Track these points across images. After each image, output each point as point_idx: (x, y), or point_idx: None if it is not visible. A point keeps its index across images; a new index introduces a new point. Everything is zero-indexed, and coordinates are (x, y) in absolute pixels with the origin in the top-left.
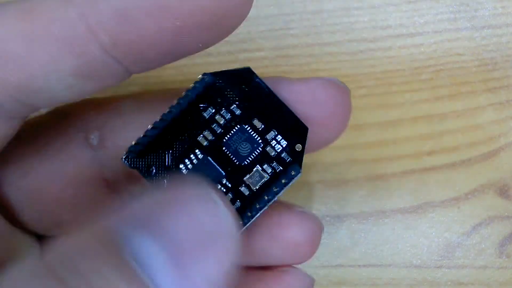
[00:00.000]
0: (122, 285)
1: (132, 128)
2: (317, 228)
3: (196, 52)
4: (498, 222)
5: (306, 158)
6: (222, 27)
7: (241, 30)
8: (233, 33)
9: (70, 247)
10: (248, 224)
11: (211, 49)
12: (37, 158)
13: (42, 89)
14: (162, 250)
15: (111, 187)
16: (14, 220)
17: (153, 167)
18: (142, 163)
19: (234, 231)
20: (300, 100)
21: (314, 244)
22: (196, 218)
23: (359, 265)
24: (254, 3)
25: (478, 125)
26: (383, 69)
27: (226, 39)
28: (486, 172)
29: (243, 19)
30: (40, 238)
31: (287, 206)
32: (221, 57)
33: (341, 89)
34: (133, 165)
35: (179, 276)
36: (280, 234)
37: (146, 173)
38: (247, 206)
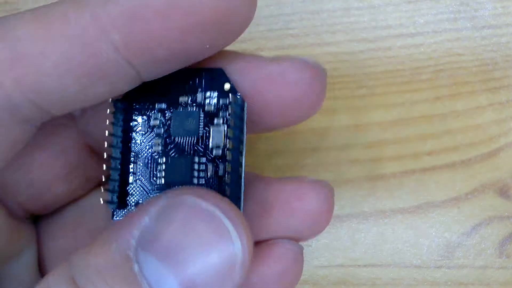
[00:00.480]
0: None
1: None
2: (331, 193)
3: (204, 57)
4: (498, 222)
5: (307, 159)
6: (228, 28)
7: None
8: None
9: (90, 266)
10: (243, 171)
11: None
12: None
13: (56, 90)
14: (174, 280)
15: (97, 153)
16: (11, 203)
17: (139, 201)
18: (129, 208)
19: (246, 264)
20: (272, 80)
21: (330, 210)
22: (210, 251)
23: (359, 265)
24: None
25: (478, 125)
26: (383, 69)
27: None
28: (486, 172)
29: (249, 21)
30: (36, 220)
31: (298, 179)
32: None
33: (314, 71)
34: (121, 216)
35: None
36: (300, 207)
37: None
38: (230, 159)
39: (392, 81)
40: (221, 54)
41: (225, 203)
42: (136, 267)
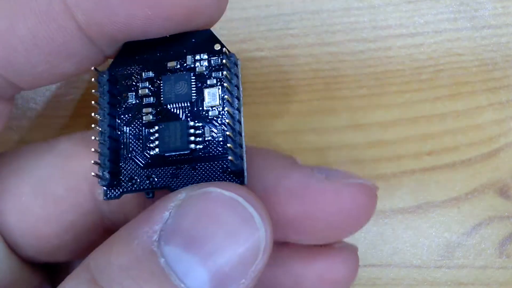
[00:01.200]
0: None
1: None
2: (357, 258)
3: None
4: (498, 222)
5: (308, 161)
6: (193, 22)
7: (241, 30)
8: (233, 33)
9: (113, 265)
10: (243, 130)
11: None
12: (31, 197)
13: (24, 65)
14: (203, 268)
15: (109, 230)
16: (21, 256)
17: (134, 178)
18: (123, 186)
19: (268, 250)
20: (325, 204)
21: (356, 274)
22: (236, 241)
23: (359, 265)
24: (254, 3)
25: (478, 125)
26: (383, 69)
27: (226, 39)
28: (486, 172)
29: (215, 20)
30: (49, 268)
31: (327, 248)
32: None
33: (369, 196)
34: (118, 195)
35: (215, 285)
36: (330, 278)
37: (133, 188)
38: (228, 118)
39: (392, 81)
40: (270, 164)
41: (247, 191)
42: (162, 260)
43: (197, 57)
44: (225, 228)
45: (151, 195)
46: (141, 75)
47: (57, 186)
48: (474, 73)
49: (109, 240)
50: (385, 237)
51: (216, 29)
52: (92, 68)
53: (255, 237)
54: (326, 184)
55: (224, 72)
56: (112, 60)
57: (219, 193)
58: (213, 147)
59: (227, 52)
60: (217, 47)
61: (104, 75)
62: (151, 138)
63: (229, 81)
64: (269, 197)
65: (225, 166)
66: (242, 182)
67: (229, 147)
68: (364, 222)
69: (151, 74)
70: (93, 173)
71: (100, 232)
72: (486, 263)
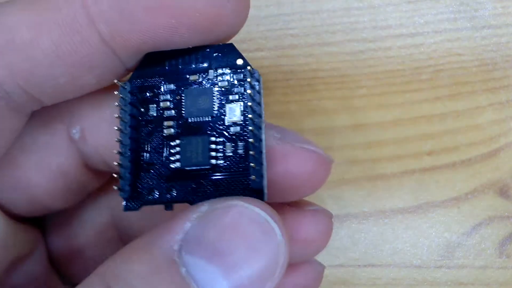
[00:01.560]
0: None
1: (111, 122)
2: (330, 222)
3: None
4: (498, 222)
5: None
6: (215, 32)
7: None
8: None
9: (132, 272)
10: (263, 147)
11: None
12: (21, 151)
13: (46, 77)
14: (224, 280)
15: (95, 172)
16: (11, 214)
17: (154, 191)
18: (143, 198)
19: (286, 260)
20: (273, 168)
21: (328, 238)
22: (258, 255)
23: (359, 265)
24: (254, 3)
25: (478, 125)
26: (383, 69)
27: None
28: (486, 172)
29: (239, 29)
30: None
31: (298, 209)
32: None
33: (320, 164)
34: (138, 207)
35: None
36: (301, 238)
37: (152, 201)
38: (250, 136)
39: (392, 81)
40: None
41: (269, 207)
42: (183, 270)
43: (219, 71)
44: (249, 241)
45: (170, 207)
46: (162, 87)
47: (38, 134)
48: (474, 73)
49: (126, 249)
50: (385, 237)
51: None
52: (115, 81)
53: (276, 252)
54: (277, 142)
55: (248, 90)
56: (132, 72)
57: (243, 206)
58: (234, 164)
59: (251, 69)
60: (239, 62)
61: (125, 87)
62: (172, 151)
63: (252, 99)
64: None
65: (245, 183)
66: (261, 199)
67: (251, 166)
68: (312, 189)
69: (172, 86)
70: (115, 187)
71: (90, 174)
72: (486, 263)
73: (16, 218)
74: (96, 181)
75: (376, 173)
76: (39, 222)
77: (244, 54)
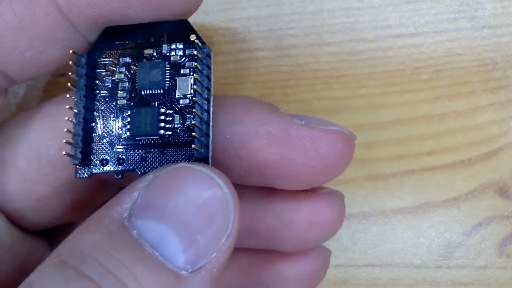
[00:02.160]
0: (139, 267)
1: None
2: (342, 203)
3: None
4: (498, 222)
5: None
6: (169, 7)
7: (241, 30)
8: (233, 33)
9: (84, 242)
10: (211, 120)
11: (212, 48)
12: (31, 164)
13: (12, 51)
14: (175, 236)
15: (104, 185)
16: (19, 225)
17: (105, 159)
18: (93, 166)
19: (236, 208)
20: (303, 150)
21: (342, 218)
22: (205, 208)
23: (359, 265)
24: (254, 3)
25: (478, 125)
26: (383, 69)
27: (226, 39)
28: (486, 172)
29: (195, 5)
30: (49, 235)
31: (314, 194)
32: (221, 57)
33: (346, 143)
34: (88, 174)
35: (189, 252)
36: (317, 220)
37: (103, 170)
38: (196, 108)
39: (392, 81)
40: (252, 110)
41: (211, 167)
42: (134, 232)
43: (173, 46)
44: (195, 198)
45: (120, 176)
46: (118, 60)
47: (49, 147)
48: (474, 73)
49: (78, 227)
50: (385, 237)
51: (216, 29)
52: (71, 51)
53: (224, 206)
54: (305, 130)
55: (195, 63)
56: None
57: (187, 167)
58: (181, 134)
59: (200, 44)
60: (192, 37)
61: (82, 58)
62: (124, 121)
63: (200, 72)
64: (250, 141)
65: (191, 153)
66: None
67: (195, 136)
68: (341, 169)
69: (128, 60)
70: (64, 152)
71: (98, 187)
72: (486, 263)
73: (24, 228)
74: (105, 194)
75: (376, 173)
76: (46, 233)
77: (244, 54)
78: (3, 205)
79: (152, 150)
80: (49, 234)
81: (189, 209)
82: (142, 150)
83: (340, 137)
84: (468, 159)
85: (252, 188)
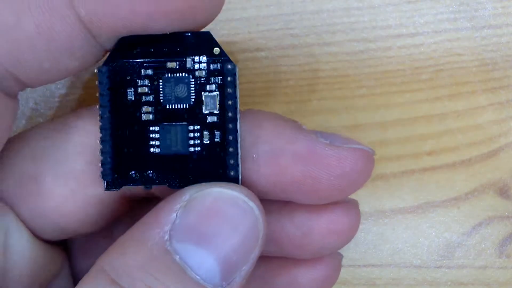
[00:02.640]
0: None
1: None
2: (358, 211)
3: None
4: (498, 222)
5: None
6: (192, 20)
7: (241, 30)
8: (233, 33)
9: (131, 264)
10: (239, 137)
11: None
12: (56, 179)
13: (32, 62)
14: (214, 260)
15: (126, 197)
16: (39, 237)
17: (134, 173)
18: (123, 179)
19: (265, 227)
20: (328, 168)
21: (358, 226)
22: (240, 232)
23: (359, 265)
24: (254, 3)
25: (478, 125)
26: (383, 69)
27: (226, 39)
28: (486, 172)
29: (215, 16)
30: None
31: (332, 204)
32: None
33: (369, 160)
34: (118, 186)
35: (225, 271)
36: (336, 229)
37: (133, 182)
38: (226, 128)
39: (392, 81)
40: (278, 128)
41: (244, 188)
42: (177, 257)
43: (196, 59)
44: (230, 221)
45: (149, 187)
46: (139, 72)
47: (75, 162)
48: (474, 73)
49: (119, 242)
50: (385, 237)
51: (216, 29)
52: (96, 70)
53: (255, 226)
54: (330, 149)
55: (224, 83)
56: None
57: (221, 191)
58: (211, 151)
59: (227, 60)
60: (216, 51)
61: (103, 70)
62: (151, 136)
63: (229, 92)
64: (276, 160)
65: (222, 172)
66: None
67: (226, 155)
68: (362, 184)
69: (150, 72)
70: (100, 174)
71: (123, 202)
72: (486, 263)
73: (43, 239)
74: (127, 206)
75: (376, 173)
76: (64, 243)
77: (244, 54)
78: (28, 220)
79: (182, 165)
80: (66, 245)
81: (226, 234)
82: (171, 164)
83: (363, 155)
84: (468, 159)
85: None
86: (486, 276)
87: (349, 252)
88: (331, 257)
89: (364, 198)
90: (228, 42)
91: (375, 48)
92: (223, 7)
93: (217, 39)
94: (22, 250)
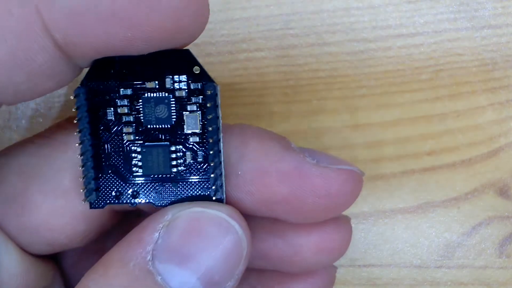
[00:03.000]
0: None
1: None
2: (350, 227)
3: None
4: (498, 222)
5: None
6: (172, 43)
7: (241, 30)
8: (233, 33)
9: (112, 283)
10: (222, 158)
11: (212, 48)
12: (44, 196)
13: (6, 84)
14: (197, 280)
15: (116, 211)
16: (33, 253)
17: (119, 192)
18: (108, 198)
19: (249, 245)
20: (314, 191)
21: (349, 240)
22: (222, 251)
23: (359, 265)
24: (254, 3)
25: (478, 125)
26: (383, 69)
27: (226, 39)
28: (486, 172)
29: (194, 39)
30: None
31: (323, 222)
32: (221, 57)
33: (357, 182)
34: (102, 205)
35: None
36: (327, 246)
37: (117, 201)
38: (207, 149)
39: (392, 81)
40: (264, 146)
41: (227, 207)
42: (159, 278)
43: (176, 78)
44: (212, 241)
45: (133, 204)
46: (118, 92)
47: (62, 177)
48: (474, 73)
49: (104, 261)
50: (385, 237)
51: (216, 29)
52: (72, 97)
53: (239, 245)
54: (317, 169)
55: (205, 103)
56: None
57: (202, 211)
58: (194, 171)
59: (207, 80)
60: (196, 69)
61: (80, 94)
62: (133, 156)
63: (208, 108)
64: (262, 178)
65: (206, 192)
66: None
67: (211, 177)
68: (349, 205)
69: (129, 91)
70: (82, 190)
71: (111, 215)
72: (486, 263)
73: (33, 254)
74: (116, 219)
75: (376, 173)
76: (55, 256)
77: (244, 54)
78: (16, 236)
79: (166, 184)
80: (57, 258)
81: (208, 255)
82: (155, 183)
83: (351, 176)
84: (468, 159)
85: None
86: (486, 276)
87: (349, 252)
88: (325, 270)
89: (364, 198)
90: (228, 42)
91: (375, 48)
92: (223, 7)
93: (217, 39)
94: (11, 266)
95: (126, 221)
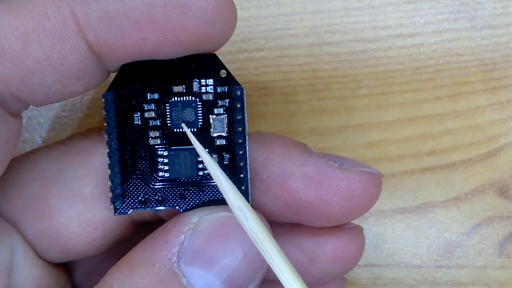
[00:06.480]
0: None
1: None
2: (363, 237)
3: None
4: (498, 222)
5: None
6: (202, 48)
7: (241, 30)
8: (233, 33)
9: (137, 283)
10: (247, 160)
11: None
12: (63, 201)
13: (39, 85)
14: (221, 284)
15: (132, 221)
16: (48, 259)
17: (144, 197)
18: (132, 204)
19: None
20: (339, 193)
21: (362, 250)
22: (247, 255)
23: (359, 265)
24: (254, 3)
25: (478, 125)
26: (383, 69)
27: None
28: (486, 172)
29: (222, 45)
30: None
31: (338, 229)
32: (221, 57)
33: (378, 184)
34: (127, 211)
35: None
36: (342, 255)
37: (143, 206)
38: (234, 151)
39: (392, 81)
40: (288, 151)
41: (250, 210)
42: (184, 280)
43: (203, 82)
44: (236, 245)
45: (158, 210)
46: (145, 96)
47: (84, 185)
48: (474, 73)
49: (128, 261)
50: (385, 237)
51: None
52: (103, 100)
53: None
54: (340, 172)
55: (233, 105)
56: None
57: (229, 215)
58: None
59: (234, 83)
60: (223, 73)
61: (109, 98)
62: (160, 160)
63: (235, 111)
64: (287, 182)
65: None
66: None
67: (241, 177)
68: (370, 207)
69: (156, 96)
70: (110, 194)
71: (128, 225)
72: (486, 263)
73: (47, 260)
74: (131, 229)
75: None
76: (67, 263)
77: (244, 54)
78: (33, 240)
79: (191, 188)
80: (67, 262)
81: (233, 258)
82: (181, 188)
83: (373, 178)
84: (468, 159)
85: (280, 223)
86: (486, 276)
87: None
88: (335, 282)
89: None
90: (228, 42)
91: (375, 48)
92: None
93: None
94: (27, 270)
95: (138, 231)
